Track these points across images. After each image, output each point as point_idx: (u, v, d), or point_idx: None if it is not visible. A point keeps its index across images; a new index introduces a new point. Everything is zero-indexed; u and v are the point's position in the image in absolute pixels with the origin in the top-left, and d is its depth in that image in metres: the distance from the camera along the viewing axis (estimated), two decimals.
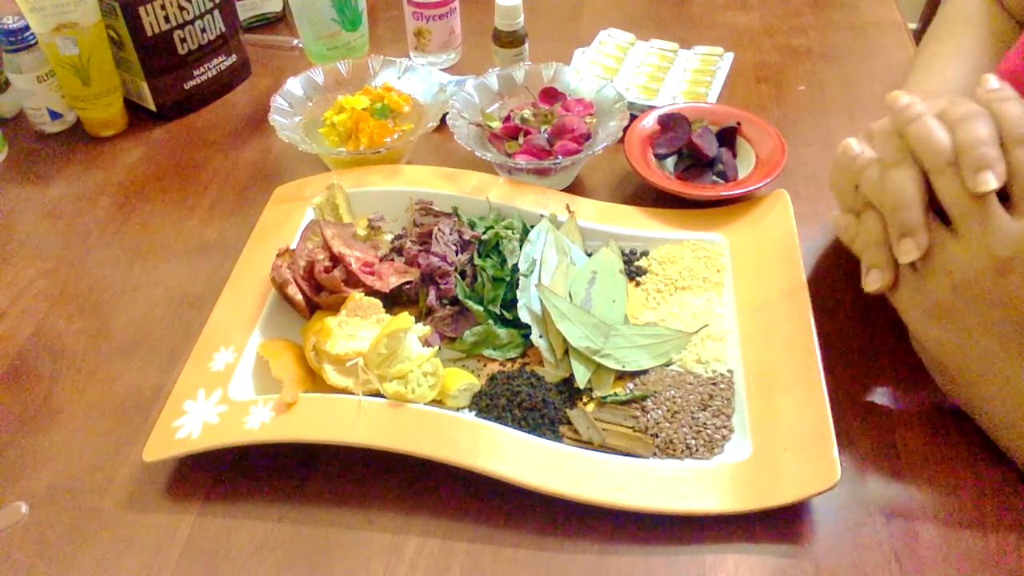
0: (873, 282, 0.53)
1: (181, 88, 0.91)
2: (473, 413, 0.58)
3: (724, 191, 0.72)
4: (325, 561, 0.52)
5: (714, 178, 0.75)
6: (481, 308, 0.64)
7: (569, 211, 0.70)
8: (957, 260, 0.49)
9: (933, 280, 0.50)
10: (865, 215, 0.54)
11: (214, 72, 0.93)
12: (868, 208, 0.54)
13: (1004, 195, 0.48)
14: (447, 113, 0.77)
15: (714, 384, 0.59)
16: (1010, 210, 0.47)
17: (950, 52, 0.79)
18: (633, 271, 0.68)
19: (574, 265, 0.66)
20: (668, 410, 0.57)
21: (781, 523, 0.52)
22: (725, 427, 0.56)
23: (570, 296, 0.63)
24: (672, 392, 0.58)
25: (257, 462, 0.57)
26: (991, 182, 0.47)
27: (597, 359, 0.60)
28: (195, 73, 0.91)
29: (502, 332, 0.63)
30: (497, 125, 0.79)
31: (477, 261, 0.67)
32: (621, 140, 0.75)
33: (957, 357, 0.52)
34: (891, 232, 0.51)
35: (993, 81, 0.51)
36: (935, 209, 0.50)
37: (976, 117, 0.48)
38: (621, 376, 0.61)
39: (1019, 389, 0.50)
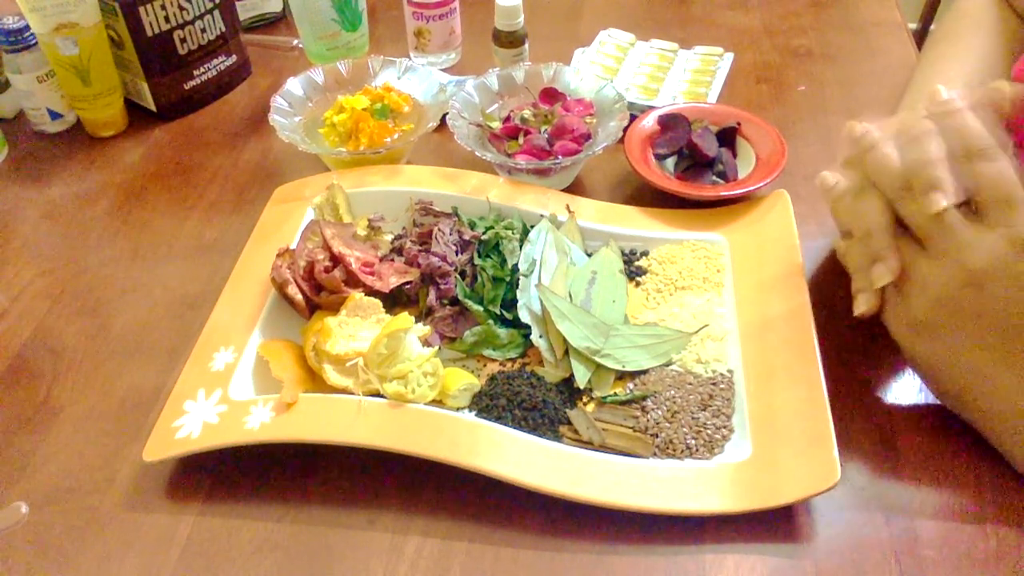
0: (860, 305, 0.55)
1: (181, 88, 0.91)
2: (473, 413, 0.58)
3: (724, 191, 0.72)
4: (325, 561, 0.52)
5: (714, 178, 0.75)
6: (481, 308, 0.64)
7: (569, 211, 0.70)
8: (932, 277, 0.49)
9: (913, 299, 0.51)
10: (850, 242, 0.55)
11: (214, 72, 0.93)
12: (851, 234, 0.55)
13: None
14: (447, 113, 0.77)
15: (714, 384, 0.59)
16: (977, 222, 0.48)
17: (957, 53, 0.79)
18: (633, 271, 0.68)
19: (574, 265, 0.66)
20: (668, 410, 0.57)
21: (781, 523, 0.52)
22: (725, 427, 0.56)
23: (570, 296, 0.63)
24: (672, 392, 0.58)
25: (257, 462, 0.57)
26: (940, 202, 0.47)
27: (597, 359, 0.60)
28: (195, 73, 0.91)
29: (502, 332, 0.63)
30: (497, 125, 0.79)
31: (477, 261, 0.67)
32: (621, 140, 0.75)
33: (946, 371, 0.53)
34: (864, 259, 0.53)
35: (943, 92, 0.50)
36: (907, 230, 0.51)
37: (923, 137, 0.49)
38: (621, 376, 0.61)
39: (1009, 396, 0.51)
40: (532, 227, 0.69)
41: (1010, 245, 0.47)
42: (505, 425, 0.56)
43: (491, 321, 0.63)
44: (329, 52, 0.95)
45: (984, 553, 0.50)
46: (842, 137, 0.54)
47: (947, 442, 0.56)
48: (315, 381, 0.59)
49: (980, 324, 0.49)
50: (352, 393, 0.58)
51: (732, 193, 0.71)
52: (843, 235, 0.57)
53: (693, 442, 0.55)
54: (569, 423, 0.57)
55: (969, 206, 0.49)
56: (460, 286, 0.65)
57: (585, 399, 0.60)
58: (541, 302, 0.62)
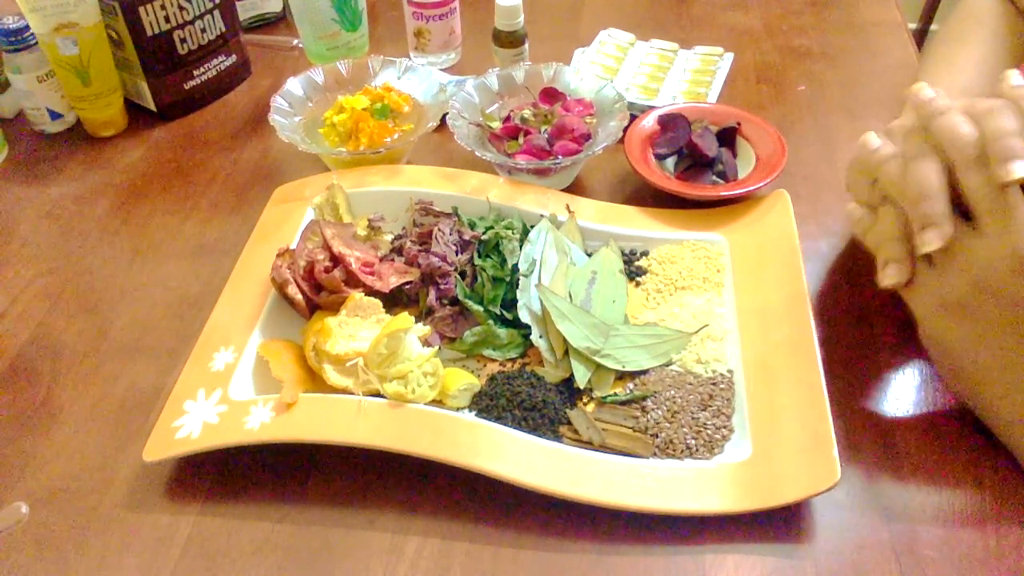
0: (890, 276, 0.52)
1: (181, 88, 0.91)
2: (473, 413, 0.58)
3: (724, 191, 0.72)
4: (325, 561, 0.52)
5: (714, 178, 0.75)
6: (481, 308, 0.64)
7: (569, 211, 0.70)
8: (978, 257, 0.48)
9: (952, 276, 0.49)
10: (882, 210, 0.53)
11: (214, 72, 0.93)
12: (885, 203, 0.53)
13: None
14: (447, 113, 0.77)
15: (714, 384, 0.59)
16: None
17: (962, 54, 0.78)
18: (633, 271, 0.68)
19: (574, 265, 0.66)
20: (668, 410, 0.57)
21: (781, 523, 0.52)
22: (725, 427, 0.56)
23: (570, 296, 0.63)
24: (672, 392, 0.58)
25: (257, 462, 0.57)
26: (1018, 170, 0.46)
27: (597, 359, 0.60)
28: (195, 73, 0.91)
29: (502, 332, 0.63)
30: (497, 125, 0.79)
31: (477, 261, 0.67)
32: (621, 140, 0.75)
33: (970, 354, 0.52)
34: (914, 223, 0.50)
35: (1016, 77, 0.49)
36: (955, 207, 0.50)
37: (1003, 110, 0.48)
38: (621, 376, 0.61)
39: None
40: (532, 227, 0.69)
41: None
42: (505, 425, 0.56)
43: (491, 321, 0.63)
44: (329, 52, 0.95)
45: (984, 553, 0.50)
46: (905, 99, 0.52)
47: (947, 442, 0.56)
48: (315, 381, 0.59)
49: (1017, 312, 0.48)
50: (352, 393, 0.58)
51: (732, 193, 0.71)
52: (859, 204, 0.55)
53: (693, 442, 0.55)
54: (569, 423, 0.57)
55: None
56: (460, 286, 0.65)
57: (585, 399, 0.60)
58: (541, 302, 0.62)
